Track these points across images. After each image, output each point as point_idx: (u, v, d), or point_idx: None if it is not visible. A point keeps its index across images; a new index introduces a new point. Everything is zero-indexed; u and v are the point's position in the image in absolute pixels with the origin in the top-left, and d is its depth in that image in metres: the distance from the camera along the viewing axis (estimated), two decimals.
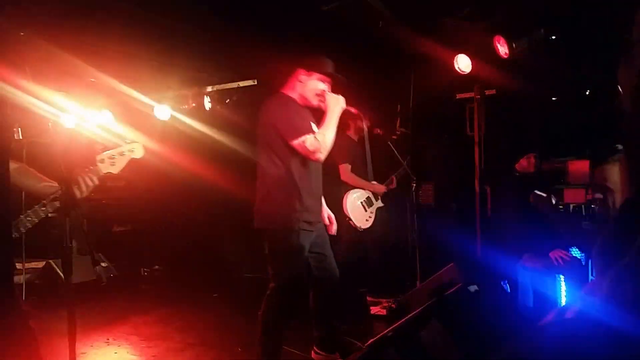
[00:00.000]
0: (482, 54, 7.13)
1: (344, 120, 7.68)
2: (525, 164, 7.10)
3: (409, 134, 8.05)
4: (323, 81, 5.27)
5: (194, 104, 9.96)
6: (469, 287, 5.62)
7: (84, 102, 8.88)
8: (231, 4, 6.41)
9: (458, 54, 7.43)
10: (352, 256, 7.62)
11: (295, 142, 4.96)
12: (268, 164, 5.10)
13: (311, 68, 5.29)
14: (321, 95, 5.22)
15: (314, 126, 5.24)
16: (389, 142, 7.57)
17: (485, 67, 7.37)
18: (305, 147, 4.94)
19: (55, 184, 4.05)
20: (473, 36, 7.07)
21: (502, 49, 6.70)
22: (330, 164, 7.34)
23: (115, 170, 4.29)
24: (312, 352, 5.78)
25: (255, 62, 8.44)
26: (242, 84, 9.59)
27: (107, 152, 4.28)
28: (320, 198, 5.49)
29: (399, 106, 8.55)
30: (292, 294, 5.27)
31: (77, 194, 4.00)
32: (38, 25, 6.69)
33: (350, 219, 7.53)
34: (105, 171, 4.25)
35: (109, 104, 9.73)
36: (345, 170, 7.71)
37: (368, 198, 7.75)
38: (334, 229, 5.75)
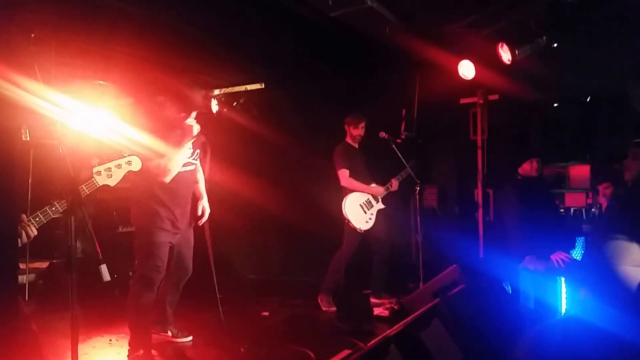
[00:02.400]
0: (485, 60, 7.25)
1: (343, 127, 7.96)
2: (528, 168, 7.17)
3: (414, 138, 8.15)
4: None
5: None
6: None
7: (92, 103, 8.95)
8: (239, 7, 6.51)
9: (462, 60, 7.56)
10: (355, 258, 7.73)
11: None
12: None
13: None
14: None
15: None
16: (393, 146, 7.65)
17: (488, 72, 7.49)
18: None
19: None
20: (477, 43, 7.19)
21: (505, 55, 6.80)
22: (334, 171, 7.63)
23: (112, 182, 4.38)
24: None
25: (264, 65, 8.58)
26: (250, 87, 9.72)
27: (104, 164, 4.36)
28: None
29: (403, 110, 8.65)
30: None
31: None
32: (48, 26, 6.79)
33: (349, 221, 7.64)
34: (102, 183, 4.32)
35: (116, 105, 9.82)
36: (343, 176, 7.84)
37: (368, 200, 7.84)
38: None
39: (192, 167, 6.45)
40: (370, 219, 7.75)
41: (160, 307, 6.66)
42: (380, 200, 7.93)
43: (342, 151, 7.96)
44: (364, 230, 7.67)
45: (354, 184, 7.80)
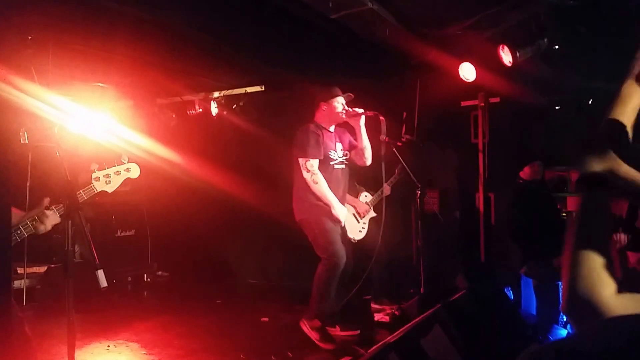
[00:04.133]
0: (486, 62, 7.26)
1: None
2: (530, 172, 7.17)
3: (414, 141, 8.14)
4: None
5: (200, 109, 10.09)
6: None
7: (91, 106, 8.95)
8: (239, 10, 6.51)
9: (463, 62, 7.57)
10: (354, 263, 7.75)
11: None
12: None
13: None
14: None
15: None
16: (394, 149, 7.64)
17: (489, 75, 7.50)
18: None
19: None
20: (478, 45, 7.19)
21: (507, 58, 6.81)
22: None
23: (110, 189, 4.38)
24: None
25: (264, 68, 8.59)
26: (249, 89, 9.73)
27: (103, 170, 4.36)
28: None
29: (404, 113, 8.66)
30: None
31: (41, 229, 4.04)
32: (45, 29, 6.78)
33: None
34: (100, 189, 4.33)
35: (115, 108, 9.82)
36: None
37: None
38: None
39: (343, 166, 7.01)
40: (363, 228, 7.74)
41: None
42: (372, 208, 7.93)
43: None
44: (358, 240, 7.65)
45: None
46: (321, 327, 6.61)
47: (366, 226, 7.78)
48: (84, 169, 4.62)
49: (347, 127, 7.16)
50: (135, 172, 4.51)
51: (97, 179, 4.32)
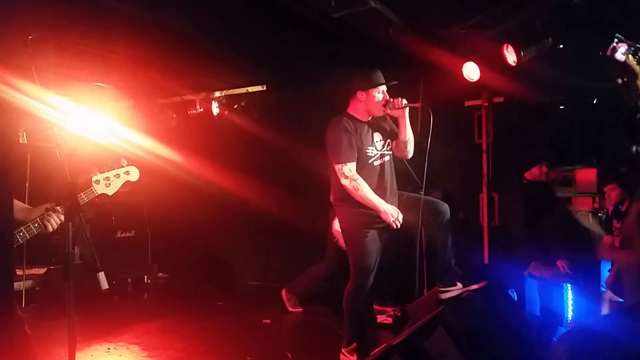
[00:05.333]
0: (490, 61, 7.25)
1: None
2: (537, 173, 7.18)
3: (418, 141, 8.14)
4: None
5: (201, 109, 10.08)
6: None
7: (90, 106, 8.96)
8: (240, 8, 6.52)
9: (466, 61, 7.56)
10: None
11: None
12: None
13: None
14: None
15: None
16: None
17: (493, 74, 7.49)
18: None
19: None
20: (482, 44, 7.19)
21: (511, 57, 6.80)
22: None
23: (110, 192, 4.37)
24: None
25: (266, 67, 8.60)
26: (251, 89, 9.72)
27: (103, 173, 4.36)
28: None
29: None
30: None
31: (49, 227, 4.01)
32: (46, 28, 6.79)
33: (337, 239, 7.66)
34: (100, 192, 4.33)
35: (115, 108, 9.83)
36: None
37: None
38: None
39: (387, 159, 6.14)
40: None
41: None
42: None
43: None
44: None
45: None
46: (359, 347, 6.09)
47: None
48: (84, 170, 4.64)
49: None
50: (134, 175, 4.52)
51: (98, 181, 4.31)
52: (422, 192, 7.14)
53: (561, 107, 8.44)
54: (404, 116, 5.94)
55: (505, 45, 6.82)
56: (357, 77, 6.01)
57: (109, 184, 4.37)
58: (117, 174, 4.42)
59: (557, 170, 8.02)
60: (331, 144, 5.89)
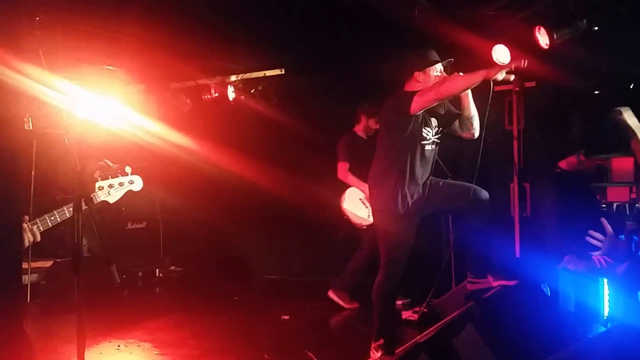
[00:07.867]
0: (521, 44, 7.15)
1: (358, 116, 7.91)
2: (574, 161, 7.10)
3: None
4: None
5: (216, 94, 10.03)
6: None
7: (100, 90, 8.94)
8: None
9: (496, 44, 7.47)
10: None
11: None
12: None
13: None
14: None
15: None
16: None
17: (525, 58, 7.41)
18: None
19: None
20: (512, 26, 7.11)
21: (543, 40, 6.71)
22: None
23: (111, 200, 4.43)
24: None
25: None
26: (269, 73, 9.66)
27: (107, 180, 4.41)
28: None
29: None
30: None
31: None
32: (53, 9, 6.76)
33: (347, 216, 7.78)
34: (102, 199, 4.38)
35: (125, 92, 9.80)
36: (340, 169, 8.02)
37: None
38: None
39: (435, 147, 6.05)
40: (371, 214, 7.66)
41: None
42: None
43: (346, 142, 8.18)
44: (366, 226, 7.64)
45: (349, 178, 7.93)
46: (385, 344, 5.92)
47: None
48: (92, 157, 4.64)
49: None
50: (138, 185, 4.61)
51: (101, 188, 4.40)
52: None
53: (596, 92, 8.35)
54: (468, 92, 5.88)
55: (537, 27, 6.72)
56: (412, 57, 6.02)
57: (112, 192, 4.45)
58: (122, 182, 4.51)
59: (592, 159, 7.93)
60: (394, 104, 5.91)
